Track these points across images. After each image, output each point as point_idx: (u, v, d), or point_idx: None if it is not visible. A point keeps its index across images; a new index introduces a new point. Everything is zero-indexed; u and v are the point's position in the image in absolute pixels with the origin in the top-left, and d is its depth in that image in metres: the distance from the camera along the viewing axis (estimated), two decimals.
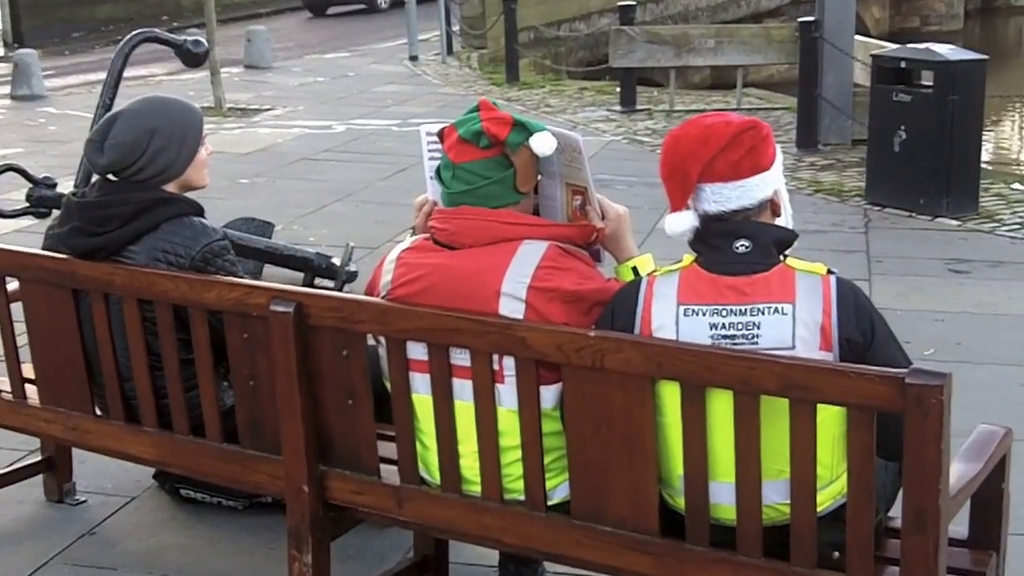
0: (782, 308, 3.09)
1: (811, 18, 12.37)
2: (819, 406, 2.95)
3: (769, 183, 3.23)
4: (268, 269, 7.83)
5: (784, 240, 3.22)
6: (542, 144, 3.45)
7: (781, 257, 3.19)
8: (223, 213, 9.09)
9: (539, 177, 3.57)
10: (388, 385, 3.54)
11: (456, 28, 21.86)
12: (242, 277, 3.95)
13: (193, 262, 3.93)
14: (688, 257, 3.26)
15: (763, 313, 3.09)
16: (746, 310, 3.11)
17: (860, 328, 3.10)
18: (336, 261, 7.57)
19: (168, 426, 4.00)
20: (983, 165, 10.17)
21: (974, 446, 3.35)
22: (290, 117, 15.07)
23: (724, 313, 3.12)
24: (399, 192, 10.18)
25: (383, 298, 3.49)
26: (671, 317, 3.16)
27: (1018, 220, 9.49)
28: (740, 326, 3.10)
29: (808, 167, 11.53)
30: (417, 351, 3.43)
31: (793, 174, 11.09)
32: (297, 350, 3.56)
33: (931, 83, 9.55)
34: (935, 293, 7.74)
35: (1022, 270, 8.24)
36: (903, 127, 9.59)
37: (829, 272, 3.16)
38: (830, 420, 3.00)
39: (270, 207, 9.84)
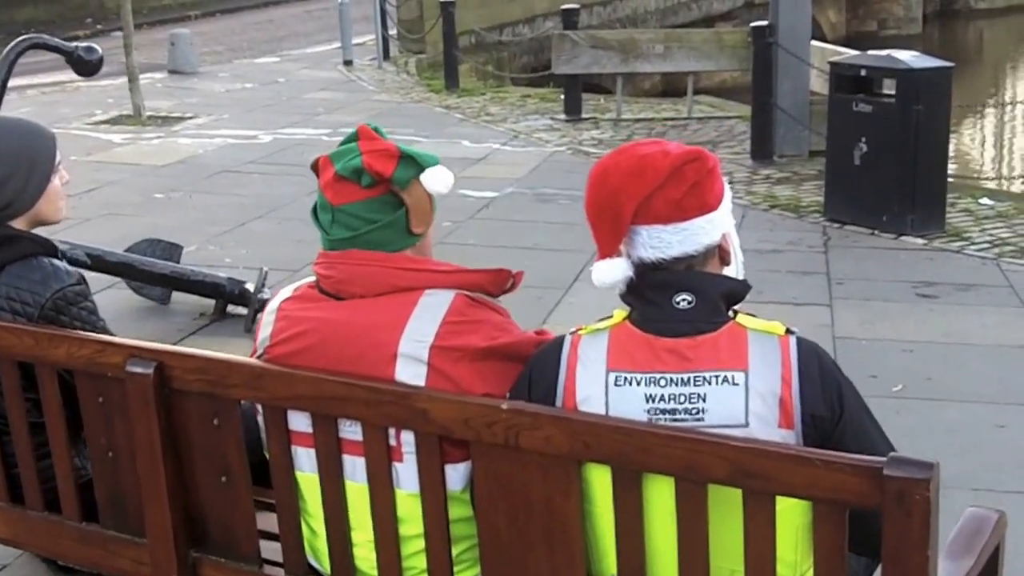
0: (732, 377, 2.56)
1: (765, 22, 11.86)
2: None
3: (716, 225, 2.69)
4: (177, 296, 7.32)
5: (734, 293, 2.69)
6: (437, 182, 2.91)
7: (731, 314, 2.66)
8: (134, 232, 8.60)
9: None
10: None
11: (393, 32, 21.25)
12: (102, 329, 3.40)
13: (43, 311, 3.37)
14: (619, 312, 2.72)
15: (709, 383, 2.56)
16: (689, 379, 2.58)
17: (827, 401, 2.58)
18: (250, 287, 7.03)
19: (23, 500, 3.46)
20: (948, 179, 9.69)
21: (962, 537, 2.82)
22: (213, 126, 14.41)
23: (662, 383, 2.58)
24: None
25: (260, 357, 2.94)
26: (599, 387, 2.62)
27: (987, 239, 9.02)
28: (682, 398, 2.57)
29: (764, 180, 11.06)
30: (300, 422, 2.89)
31: (748, 188, 10.62)
32: (160, 417, 3.03)
33: (893, 92, 9.08)
34: (901, 320, 7.25)
35: (994, 295, 7.77)
36: (864, 139, 9.13)
37: (788, 332, 2.63)
38: (793, 509, 2.49)
39: (185, 224, 9.28)
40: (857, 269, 8.29)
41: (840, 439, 2.56)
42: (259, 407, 2.94)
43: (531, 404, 2.65)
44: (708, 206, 2.67)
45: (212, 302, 7.26)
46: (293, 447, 2.91)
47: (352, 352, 2.80)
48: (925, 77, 9.00)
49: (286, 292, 3.01)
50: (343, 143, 2.96)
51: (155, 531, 3.14)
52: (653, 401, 2.58)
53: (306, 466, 2.91)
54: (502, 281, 2.94)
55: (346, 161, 2.88)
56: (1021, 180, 14.95)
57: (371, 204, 2.87)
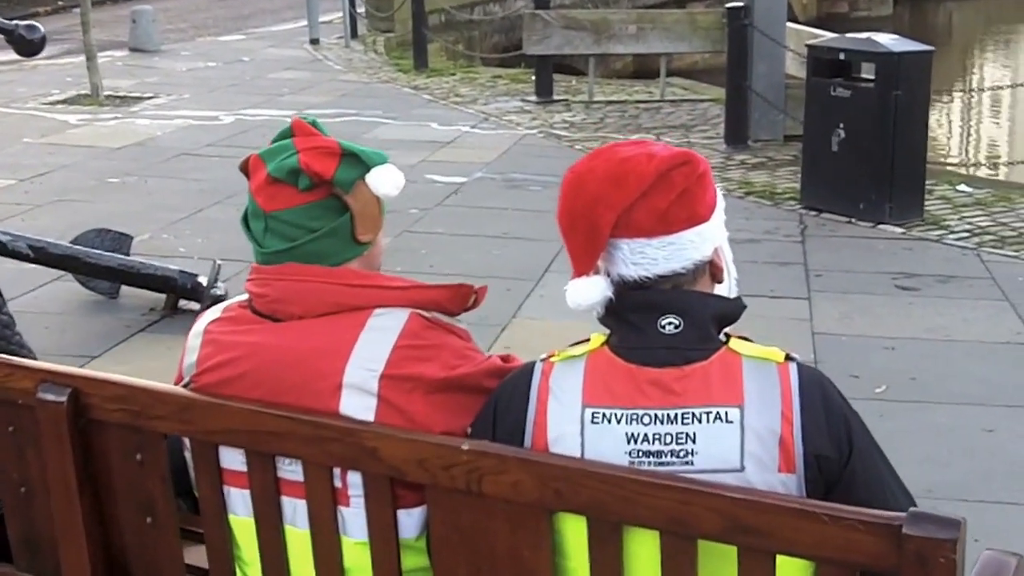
0: (726, 413, 2.23)
1: (739, 3, 11.52)
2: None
3: (707, 238, 2.35)
4: (127, 289, 6.98)
5: (727, 316, 2.35)
6: (385, 182, 2.55)
7: (723, 337, 2.33)
8: (85, 218, 8.31)
9: None
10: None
11: (361, 9, 20.83)
12: (17, 345, 3.05)
13: None
14: (597, 337, 2.38)
15: (699, 420, 2.23)
16: (676, 416, 2.24)
17: (833, 439, 2.24)
18: (203, 280, 6.68)
19: None
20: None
21: None
22: (174, 106, 13.98)
23: (646, 420, 2.25)
24: None
25: (186, 386, 2.59)
26: (574, 424, 2.28)
27: (966, 227, 8.77)
28: (668, 438, 2.24)
29: (739, 166, 10.78)
30: (234, 459, 2.53)
31: (723, 173, 10.31)
32: (75, 451, 2.67)
33: (872, 77, 8.81)
34: (882, 314, 6.98)
35: (975, 287, 7.51)
36: (842, 125, 8.87)
37: (788, 358, 2.30)
38: (792, 563, 2.15)
39: (139, 211, 8.94)
40: (835, 259, 8.05)
41: (848, 484, 2.23)
42: (187, 442, 2.60)
43: (495, 444, 2.31)
44: (698, 217, 2.33)
45: (163, 296, 6.93)
46: (225, 487, 2.56)
47: (290, 381, 2.45)
48: (906, 61, 8.76)
49: (214, 312, 2.65)
50: (275, 139, 2.60)
51: (73, 575, 2.79)
52: (635, 441, 2.24)
53: (240, 509, 2.56)
54: (462, 298, 2.59)
55: (280, 160, 2.52)
56: (997, 166, 14.69)
57: (310, 210, 2.52)
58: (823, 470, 2.22)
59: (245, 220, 2.60)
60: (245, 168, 2.60)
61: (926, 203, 9.09)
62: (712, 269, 2.37)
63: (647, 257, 2.30)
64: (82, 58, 14.61)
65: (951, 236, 8.57)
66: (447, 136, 12.21)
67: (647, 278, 2.31)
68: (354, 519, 2.45)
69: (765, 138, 11.48)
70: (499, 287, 7.20)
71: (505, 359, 2.60)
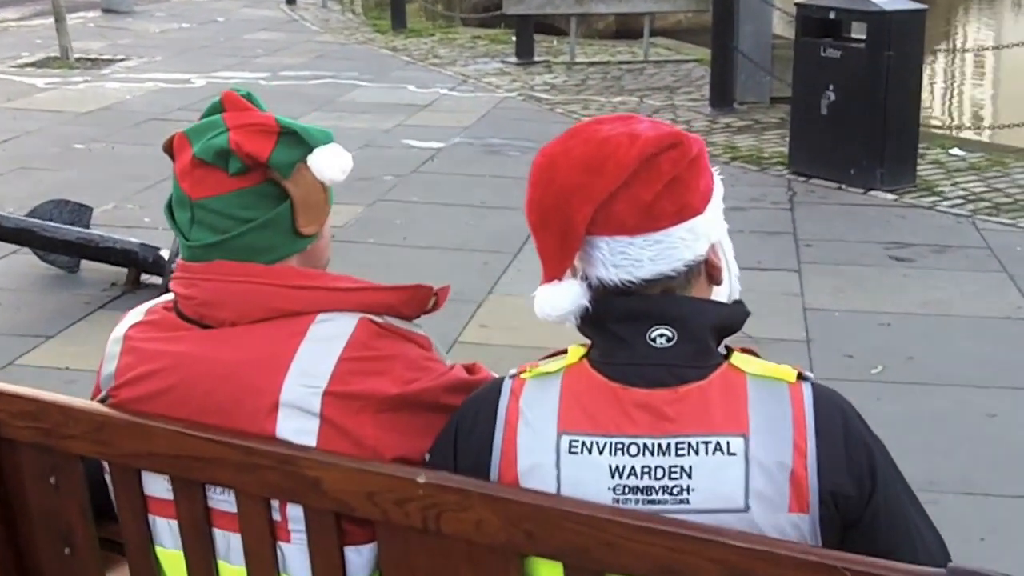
0: (727, 444, 1.90)
1: None
2: None
3: (701, 234, 2.00)
4: (88, 263, 6.66)
5: (728, 326, 2.02)
6: (329, 165, 2.20)
7: (722, 350, 2.00)
8: (47, 188, 8.04)
9: None
10: None
11: None
12: None
13: None
14: (576, 349, 2.04)
15: (696, 451, 1.90)
16: (669, 446, 1.91)
17: (854, 473, 1.91)
18: (165, 254, 6.36)
19: None
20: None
21: None
22: (145, 69, 13.60)
23: (633, 450, 1.92)
24: None
25: (104, 400, 2.25)
26: (548, 454, 1.95)
27: (960, 194, 8.48)
28: (660, 472, 1.91)
29: (724, 129, 10.48)
30: (159, 486, 2.21)
31: (707, 137, 10.00)
32: None
33: (864, 36, 8.51)
34: (876, 288, 6.69)
35: (971, 258, 7.23)
36: (831, 87, 8.57)
37: (800, 378, 1.96)
38: None
39: (104, 179, 8.60)
40: (825, 228, 7.75)
41: (870, 526, 1.91)
42: (106, 464, 2.27)
43: (456, 476, 1.98)
44: (690, 209, 1.98)
45: (124, 270, 6.60)
46: (151, 516, 2.23)
47: (221, 399, 2.11)
48: (898, 20, 8.46)
49: (136, 314, 2.30)
50: (204, 114, 2.23)
51: None
52: (621, 476, 1.91)
53: (168, 541, 2.23)
54: (420, 300, 2.24)
55: (207, 140, 2.16)
56: (983, 128, 14.39)
57: (243, 197, 2.16)
58: (840, 509, 1.90)
59: (169, 208, 2.24)
60: (169, 148, 2.24)
61: (918, 168, 8.80)
62: (708, 269, 2.02)
63: (630, 258, 1.95)
64: (51, 19, 14.22)
65: (945, 203, 8.29)
66: (425, 99, 11.90)
67: (630, 282, 1.96)
68: (295, 556, 2.13)
69: (751, 100, 11.21)
70: (475, 260, 6.92)
71: (470, 369, 2.27)
